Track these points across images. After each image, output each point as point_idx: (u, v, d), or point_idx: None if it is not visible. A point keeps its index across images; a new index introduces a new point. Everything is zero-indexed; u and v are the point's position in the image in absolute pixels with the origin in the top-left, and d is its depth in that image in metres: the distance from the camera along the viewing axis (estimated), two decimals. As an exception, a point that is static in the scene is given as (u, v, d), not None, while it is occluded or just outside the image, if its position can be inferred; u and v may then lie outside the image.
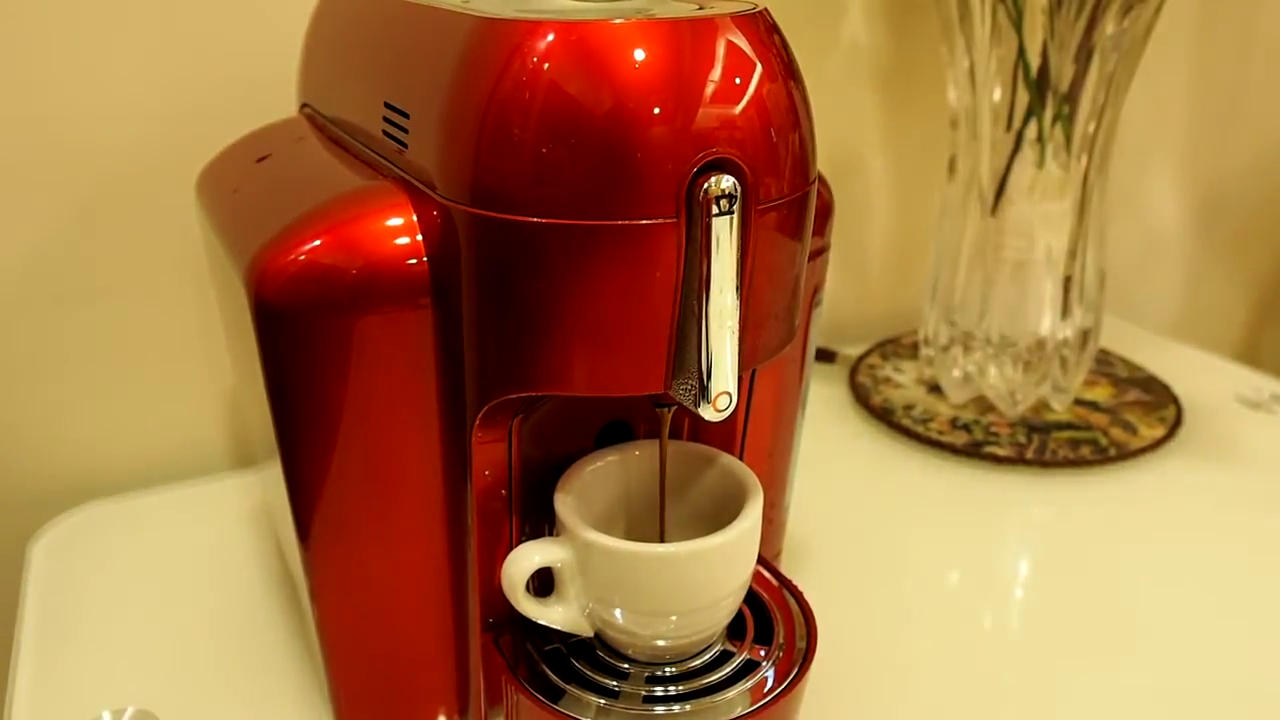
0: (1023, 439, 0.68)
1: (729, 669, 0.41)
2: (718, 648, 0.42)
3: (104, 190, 0.60)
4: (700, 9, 0.33)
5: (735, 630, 0.43)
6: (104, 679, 0.48)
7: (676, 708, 0.39)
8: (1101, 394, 0.75)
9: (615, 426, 0.44)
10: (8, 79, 0.56)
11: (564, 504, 0.39)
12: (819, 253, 0.44)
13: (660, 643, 0.40)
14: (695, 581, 0.38)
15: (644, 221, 0.31)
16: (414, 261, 0.35)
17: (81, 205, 0.59)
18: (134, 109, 0.59)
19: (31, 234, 0.59)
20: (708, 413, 0.33)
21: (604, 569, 0.38)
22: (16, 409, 0.62)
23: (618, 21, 0.31)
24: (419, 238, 0.35)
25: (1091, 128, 0.63)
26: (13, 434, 0.63)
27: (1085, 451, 0.67)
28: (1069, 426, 0.70)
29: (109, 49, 0.57)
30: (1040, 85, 0.62)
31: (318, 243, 0.35)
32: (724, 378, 0.33)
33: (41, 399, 0.62)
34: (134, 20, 0.57)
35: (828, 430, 0.71)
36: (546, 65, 0.30)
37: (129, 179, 0.60)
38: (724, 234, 0.31)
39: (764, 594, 0.45)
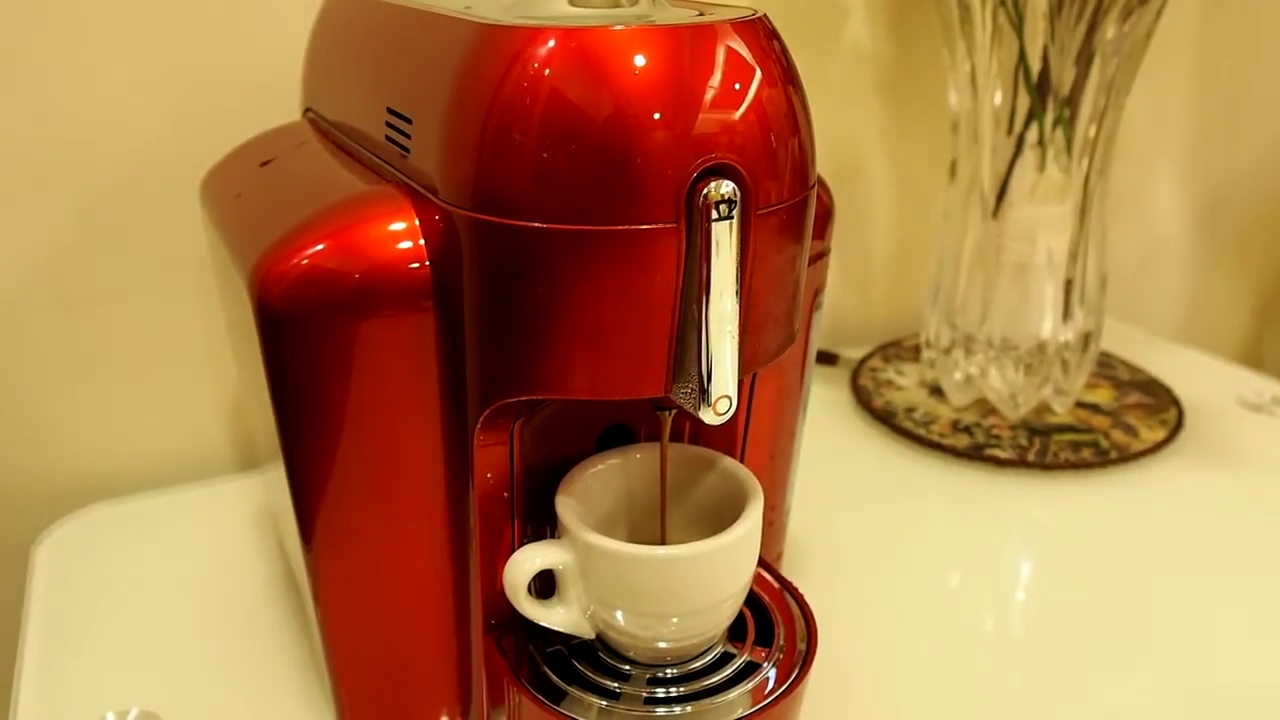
0: (1024, 441, 0.68)
1: (730, 670, 0.41)
2: (719, 649, 0.42)
3: (109, 194, 0.60)
4: (700, 15, 0.34)
5: (736, 632, 0.43)
6: (108, 680, 0.48)
7: (677, 709, 0.39)
8: (1103, 396, 0.75)
9: (616, 430, 0.44)
10: (11, 83, 0.56)
11: (565, 506, 0.40)
12: (819, 256, 0.44)
13: (661, 644, 0.40)
14: (696, 584, 0.38)
15: (644, 226, 0.31)
16: (416, 266, 0.35)
17: (86, 209, 0.60)
18: (138, 114, 0.59)
19: (37, 238, 0.59)
20: (708, 416, 0.34)
21: (605, 571, 0.38)
22: (21, 411, 0.62)
23: (618, 28, 0.31)
24: (421, 242, 0.35)
25: (1092, 131, 0.63)
26: (18, 436, 0.63)
27: (1086, 454, 0.67)
28: (1070, 429, 0.70)
29: (112, 53, 0.57)
30: (1041, 89, 0.63)
31: (321, 247, 0.35)
32: (724, 382, 0.33)
33: (46, 402, 0.63)
34: (138, 25, 0.57)
35: (829, 433, 0.72)
36: (547, 71, 0.31)
37: (133, 183, 0.60)
38: (724, 239, 0.32)
39: (765, 596, 0.45)
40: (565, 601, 0.40)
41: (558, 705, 0.39)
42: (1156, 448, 0.68)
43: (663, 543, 0.43)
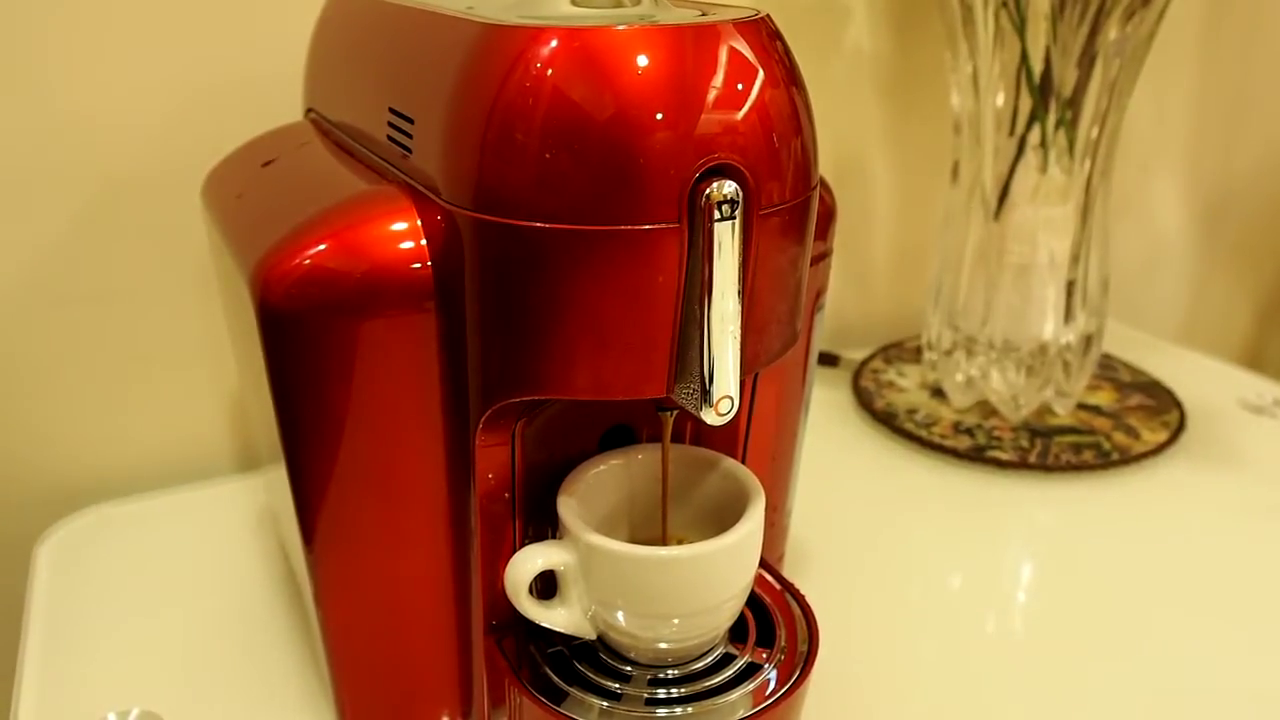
0: (1025, 443, 0.68)
1: (731, 671, 0.41)
2: (720, 650, 0.42)
3: (110, 194, 0.60)
4: (703, 15, 0.34)
5: (737, 633, 0.43)
6: (109, 680, 0.48)
7: (679, 710, 0.39)
8: (1104, 398, 0.75)
9: (618, 430, 0.44)
10: (13, 83, 0.56)
11: (567, 507, 0.40)
12: (821, 257, 0.44)
13: (662, 645, 0.40)
14: (697, 584, 0.38)
15: (647, 227, 0.31)
16: (418, 266, 0.35)
17: (88, 208, 0.60)
18: (140, 114, 0.59)
19: (38, 237, 0.59)
20: (709, 416, 0.34)
21: (606, 572, 0.38)
22: (23, 411, 0.62)
23: (620, 28, 0.31)
24: (423, 242, 0.35)
25: (1094, 133, 0.63)
26: (19, 436, 0.63)
27: (1088, 456, 0.67)
28: (1072, 431, 0.70)
29: (114, 53, 0.57)
30: (1043, 90, 0.62)
31: (323, 247, 0.35)
32: (726, 382, 0.33)
33: (47, 402, 0.63)
34: (140, 26, 0.57)
35: (831, 434, 0.71)
36: (550, 71, 0.31)
37: (135, 182, 0.60)
38: (726, 239, 0.32)
39: (766, 597, 0.45)
40: (566, 602, 0.40)
41: (559, 706, 0.39)
42: (1158, 450, 0.68)
43: (664, 543, 0.43)
